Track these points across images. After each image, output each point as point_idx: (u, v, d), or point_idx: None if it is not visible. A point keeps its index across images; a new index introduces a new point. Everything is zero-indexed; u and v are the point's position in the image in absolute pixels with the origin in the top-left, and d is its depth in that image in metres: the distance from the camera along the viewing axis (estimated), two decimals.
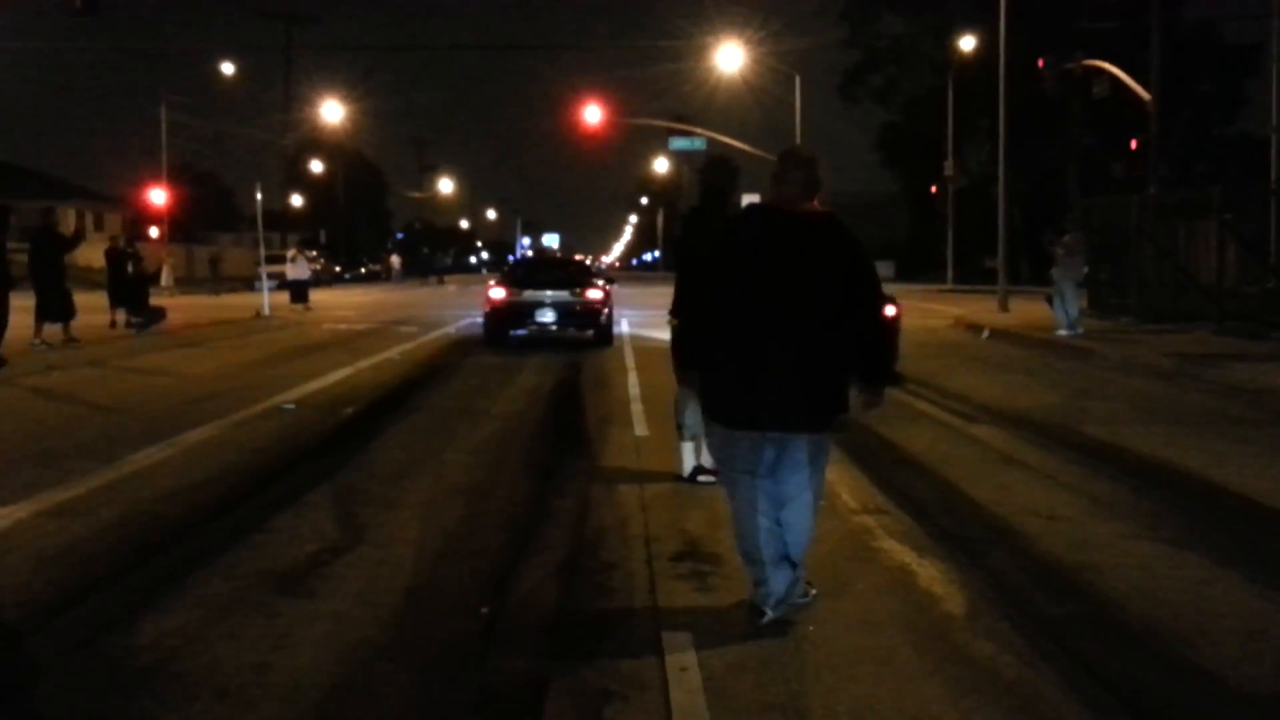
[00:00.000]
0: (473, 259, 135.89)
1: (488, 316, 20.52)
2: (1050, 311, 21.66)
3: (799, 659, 4.56)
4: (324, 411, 11.51)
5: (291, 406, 11.76)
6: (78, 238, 21.06)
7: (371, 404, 12.16)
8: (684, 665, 4.46)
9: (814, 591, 5.16)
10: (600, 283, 21.46)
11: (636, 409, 11.67)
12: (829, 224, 4.84)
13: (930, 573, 5.78)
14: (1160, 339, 19.84)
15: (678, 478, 8.04)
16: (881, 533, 6.60)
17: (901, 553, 6.17)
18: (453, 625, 5.01)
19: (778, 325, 4.72)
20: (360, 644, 4.75)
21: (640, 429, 10.43)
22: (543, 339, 19.99)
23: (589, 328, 20.34)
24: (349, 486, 7.88)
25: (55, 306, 18.56)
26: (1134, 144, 32.03)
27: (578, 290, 20.47)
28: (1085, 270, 26.56)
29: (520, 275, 22.07)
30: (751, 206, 5.11)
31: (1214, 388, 13.53)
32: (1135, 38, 36.97)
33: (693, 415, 7.94)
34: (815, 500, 4.98)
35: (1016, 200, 41.91)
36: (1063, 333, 20.20)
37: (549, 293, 20.38)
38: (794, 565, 4.96)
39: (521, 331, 20.35)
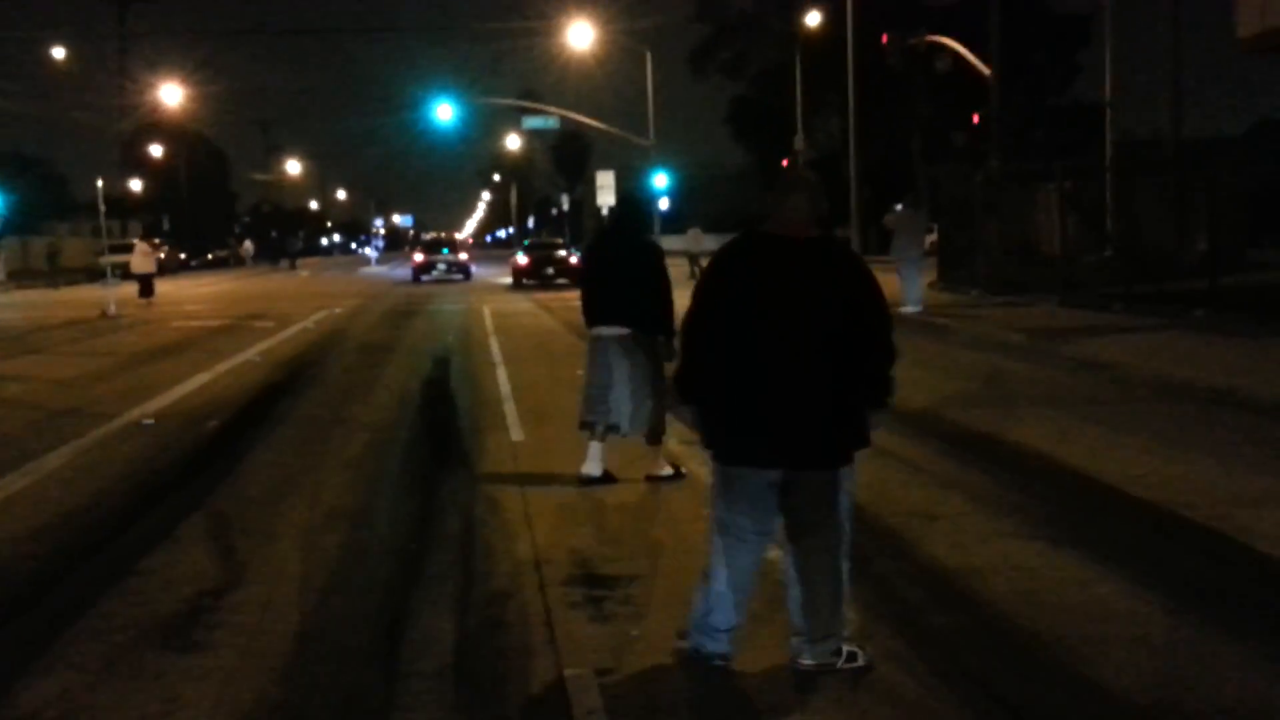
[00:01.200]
0: (324, 241, 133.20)
1: (414, 269, 44.21)
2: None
3: (705, 694, 4.58)
4: (186, 426, 11.14)
5: (151, 421, 11.37)
6: None
7: (236, 415, 11.82)
8: (590, 708, 4.44)
9: (863, 657, 4.73)
10: (465, 250, 49.53)
11: (509, 409, 11.59)
12: (833, 248, 4.72)
13: None
14: (1009, 312, 20.48)
15: (587, 480, 8.09)
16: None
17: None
18: (350, 674, 4.90)
19: (783, 355, 4.54)
20: (255, 704, 4.60)
21: (515, 433, 10.35)
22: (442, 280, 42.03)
23: (461, 273, 43.75)
24: (222, 514, 7.65)
25: None
26: (976, 118, 32.91)
27: (455, 253, 46.54)
28: (930, 239, 27.28)
29: (427, 246, 48.69)
30: (749, 233, 4.92)
31: (1065, 363, 14.01)
32: (973, 10, 37.94)
33: (591, 407, 8.05)
34: (841, 549, 4.70)
35: (864, 172, 42.77)
36: (907, 309, 20.60)
37: (440, 254, 45.55)
38: (830, 634, 4.67)
39: (429, 276, 42.91)
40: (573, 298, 28.54)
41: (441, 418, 11.49)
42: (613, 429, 8.06)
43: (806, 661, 4.70)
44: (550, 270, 36.58)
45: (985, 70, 30.89)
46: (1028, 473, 8.33)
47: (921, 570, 6.12)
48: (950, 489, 7.86)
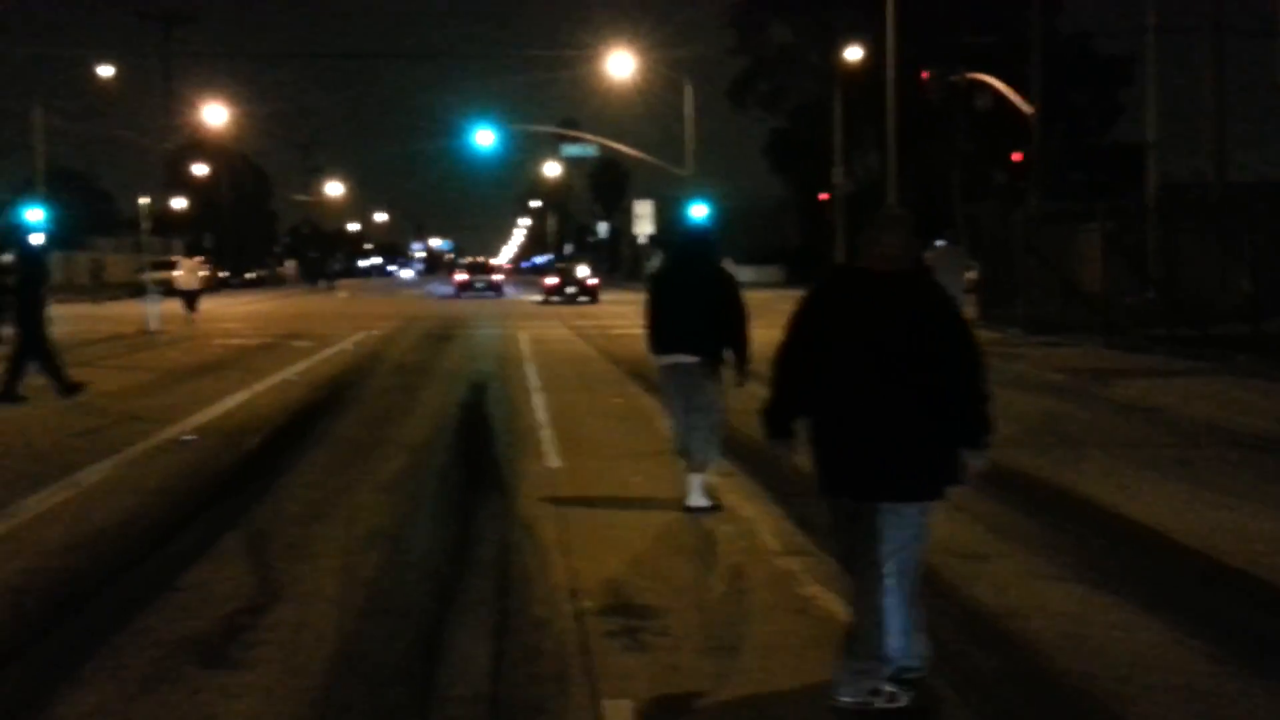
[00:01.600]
0: (363, 263, 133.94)
1: (457, 286, 54.14)
2: None
3: None
4: (226, 443, 11.21)
5: (192, 438, 11.44)
6: None
7: (275, 433, 11.88)
8: None
9: (901, 701, 4.67)
10: (499, 273, 59.65)
11: (546, 436, 11.59)
12: (923, 284, 4.73)
13: None
14: (1050, 352, 20.35)
15: (686, 508, 8.13)
16: (807, 578, 6.61)
17: (829, 600, 6.17)
18: (385, 697, 4.90)
19: (863, 387, 4.58)
20: None
21: (552, 460, 10.34)
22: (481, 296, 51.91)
23: (495, 290, 53.81)
24: (260, 532, 7.68)
25: None
26: (1017, 156, 32.86)
27: (492, 274, 57.14)
28: (969, 276, 27.13)
29: (468, 269, 58.31)
30: (841, 267, 4.98)
31: (1107, 405, 13.89)
32: (1014, 49, 37.91)
33: (695, 439, 8.11)
34: (891, 578, 4.63)
35: (903, 207, 42.63)
36: None
37: (480, 275, 56.05)
38: (883, 658, 4.63)
39: (471, 293, 52.55)
40: (611, 324, 28.75)
41: (478, 442, 11.50)
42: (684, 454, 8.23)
43: (844, 699, 4.65)
44: (572, 289, 45.63)
45: (1026, 109, 30.83)
46: (1069, 515, 8.25)
47: (962, 611, 6.06)
48: (991, 530, 7.78)
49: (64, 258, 59.00)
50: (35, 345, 14.35)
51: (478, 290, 53.23)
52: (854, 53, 47.09)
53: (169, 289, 34.22)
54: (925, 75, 35.51)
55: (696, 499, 8.16)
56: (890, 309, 4.61)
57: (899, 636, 4.63)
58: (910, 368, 4.54)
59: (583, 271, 47.82)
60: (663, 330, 8.26)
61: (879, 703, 4.63)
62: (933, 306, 4.64)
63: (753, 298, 8.47)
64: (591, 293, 45.17)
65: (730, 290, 8.16)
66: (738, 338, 8.09)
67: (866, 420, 4.57)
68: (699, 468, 8.16)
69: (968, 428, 4.63)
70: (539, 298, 46.49)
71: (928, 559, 6.97)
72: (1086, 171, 52.94)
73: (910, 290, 4.66)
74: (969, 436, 4.64)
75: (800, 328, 4.80)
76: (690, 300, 8.10)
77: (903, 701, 4.65)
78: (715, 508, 8.17)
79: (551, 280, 47.27)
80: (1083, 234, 26.00)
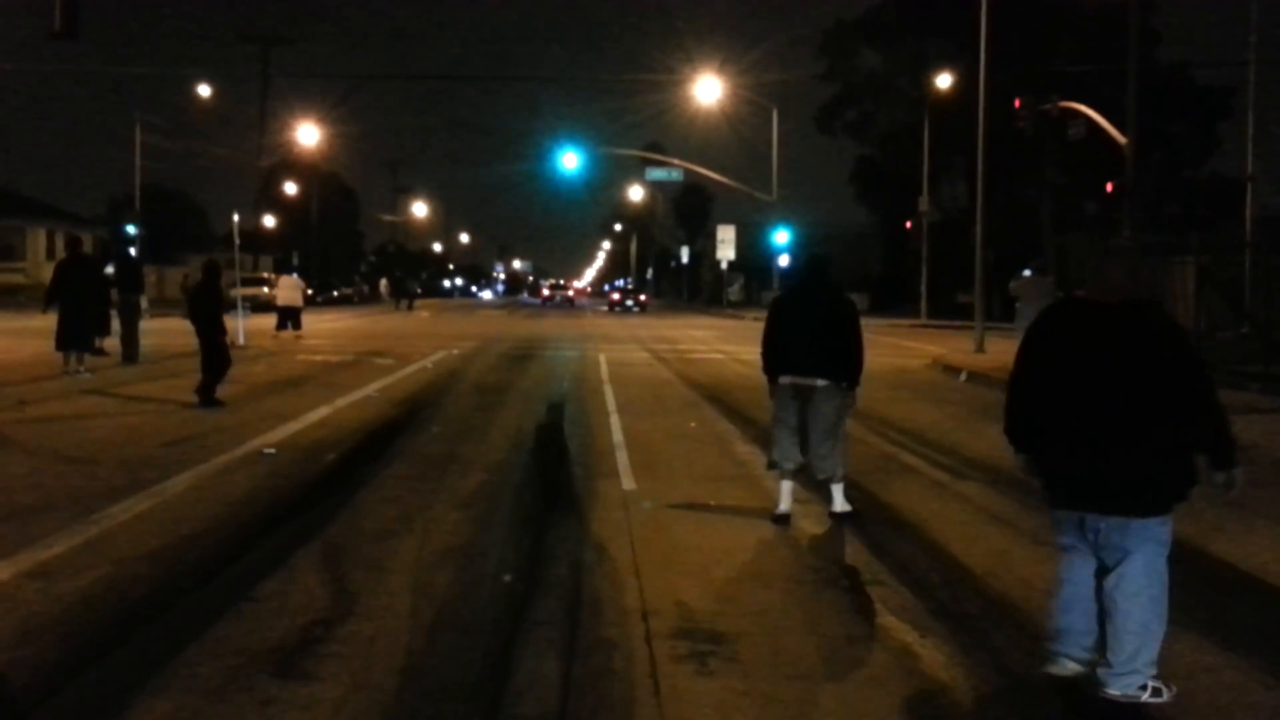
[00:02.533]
0: (446, 283, 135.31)
1: (542, 299, 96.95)
2: None
3: None
4: (306, 457, 11.35)
5: (272, 451, 11.59)
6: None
7: (353, 449, 12.00)
8: None
9: (1167, 693, 4.99)
10: (574, 291, 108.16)
11: (621, 458, 11.57)
12: (1147, 314, 4.91)
13: (934, 657, 5.71)
14: None
15: (775, 518, 8.58)
16: (881, 608, 6.52)
17: (903, 632, 6.09)
18: (454, 713, 4.90)
19: (1087, 409, 4.84)
20: None
21: (627, 482, 10.32)
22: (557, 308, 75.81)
23: (569, 303, 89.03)
24: (336, 546, 7.75)
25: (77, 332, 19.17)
26: (1110, 187, 32.29)
27: (569, 290, 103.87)
28: None
29: (550, 287, 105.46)
30: (1067, 298, 5.20)
31: None
32: (1110, 78, 37.30)
33: (783, 450, 8.63)
34: (1138, 589, 4.97)
35: (989, 238, 42.20)
36: None
37: (559, 291, 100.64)
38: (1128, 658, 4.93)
39: (552, 303, 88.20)
40: (690, 349, 28.71)
41: (554, 462, 11.52)
42: (799, 470, 8.68)
43: (1112, 692, 4.91)
44: (630, 303, 68.76)
45: (1120, 139, 30.30)
46: None
47: (1037, 642, 5.91)
48: None
49: (158, 272, 60.46)
50: (213, 350, 15.82)
51: (556, 302, 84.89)
52: (944, 80, 46.74)
53: (263, 304, 34.77)
54: (1018, 103, 35.04)
55: (840, 505, 8.69)
56: (1115, 339, 4.83)
57: (1152, 641, 4.93)
58: (1135, 394, 4.76)
59: (637, 291, 73.41)
60: (782, 351, 8.66)
61: (1145, 697, 4.92)
62: (1153, 333, 4.84)
63: None
64: (642, 306, 68.67)
65: (848, 313, 8.61)
66: (852, 360, 8.54)
67: (1099, 440, 4.83)
68: (839, 479, 8.66)
69: (1213, 451, 4.89)
70: (605, 308, 70.35)
71: (1007, 589, 6.88)
72: (1182, 204, 51.94)
73: (1137, 320, 4.87)
74: (1216, 459, 4.90)
75: (1029, 356, 5.13)
76: (810, 323, 8.52)
77: (1166, 696, 4.91)
78: (855, 515, 8.65)
79: (615, 296, 72.85)
80: (1176, 267, 25.43)
